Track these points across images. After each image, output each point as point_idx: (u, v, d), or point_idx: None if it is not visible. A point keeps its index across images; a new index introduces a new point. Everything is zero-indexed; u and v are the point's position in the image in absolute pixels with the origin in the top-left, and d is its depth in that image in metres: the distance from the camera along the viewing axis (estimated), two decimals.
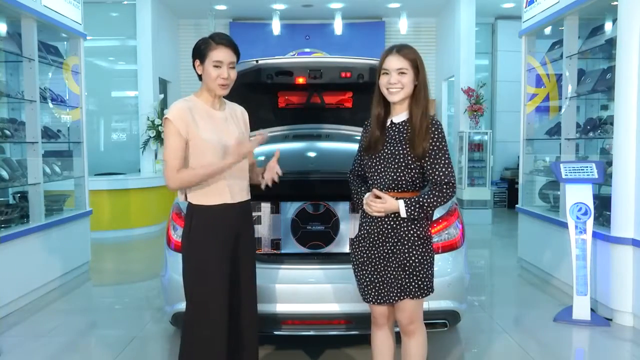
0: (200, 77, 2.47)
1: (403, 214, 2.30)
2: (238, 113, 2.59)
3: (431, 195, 2.30)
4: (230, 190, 2.44)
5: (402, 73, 2.31)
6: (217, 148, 2.39)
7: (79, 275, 5.39)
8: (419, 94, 2.33)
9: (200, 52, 2.40)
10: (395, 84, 2.31)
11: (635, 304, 3.84)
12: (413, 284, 2.34)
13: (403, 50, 2.34)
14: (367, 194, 2.40)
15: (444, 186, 2.30)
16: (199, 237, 2.40)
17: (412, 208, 2.29)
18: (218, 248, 2.40)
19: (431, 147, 2.29)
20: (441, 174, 2.30)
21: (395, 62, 2.31)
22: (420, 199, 2.30)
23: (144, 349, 3.63)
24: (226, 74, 2.39)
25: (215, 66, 2.37)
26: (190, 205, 2.45)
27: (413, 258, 2.33)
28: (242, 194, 2.50)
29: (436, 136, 2.30)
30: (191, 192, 2.43)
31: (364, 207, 2.40)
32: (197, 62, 2.43)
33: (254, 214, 3.22)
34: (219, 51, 2.38)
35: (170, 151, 2.35)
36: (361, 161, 2.53)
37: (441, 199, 2.31)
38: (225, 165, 2.36)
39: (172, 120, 2.34)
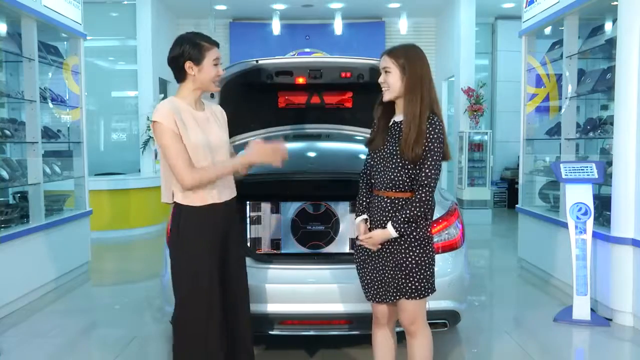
0: (181, 79, 2.46)
1: (395, 235, 2.29)
2: (218, 113, 2.60)
3: (412, 208, 2.27)
4: (217, 190, 2.43)
5: (387, 72, 2.33)
6: (206, 150, 2.40)
7: (79, 275, 5.39)
8: (407, 95, 2.29)
9: (195, 55, 2.40)
10: (383, 83, 2.35)
11: (635, 304, 3.84)
12: (409, 284, 2.32)
13: (394, 50, 2.36)
14: (362, 231, 2.41)
15: (422, 189, 2.26)
16: (188, 237, 2.41)
17: (400, 226, 2.28)
18: (207, 248, 2.40)
19: (425, 149, 2.25)
20: (423, 175, 2.26)
21: (382, 62, 2.37)
22: (404, 215, 2.28)
23: (144, 349, 3.63)
24: (221, 71, 2.50)
25: (215, 65, 2.44)
26: (178, 205, 2.43)
27: (410, 259, 2.31)
28: (227, 192, 2.49)
29: (430, 137, 2.26)
30: (178, 192, 2.42)
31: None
32: (190, 64, 2.41)
33: (253, 214, 3.23)
34: (215, 51, 2.45)
35: (173, 151, 2.33)
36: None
37: (422, 205, 2.27)
38: (240, 164, 2.41)
39: (162, 121, 2.33)
